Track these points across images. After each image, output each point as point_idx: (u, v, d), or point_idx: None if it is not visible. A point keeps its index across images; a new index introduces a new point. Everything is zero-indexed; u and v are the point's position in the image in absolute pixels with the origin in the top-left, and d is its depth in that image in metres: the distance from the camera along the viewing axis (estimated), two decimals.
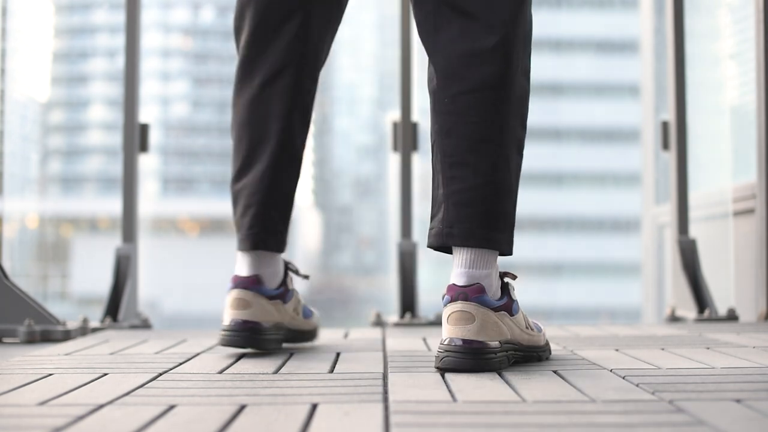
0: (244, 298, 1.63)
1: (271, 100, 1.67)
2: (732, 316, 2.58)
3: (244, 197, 1.67)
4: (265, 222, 1.67)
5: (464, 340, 1.38)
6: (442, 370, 1.39)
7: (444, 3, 1.47)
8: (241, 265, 1.68)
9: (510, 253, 1.49)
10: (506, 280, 1.49)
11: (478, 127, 1.44)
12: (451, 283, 1.43)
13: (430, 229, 1.49)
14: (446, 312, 1.41)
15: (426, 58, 1.53)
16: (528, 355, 1.50)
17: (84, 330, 2.27)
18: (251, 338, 1.62)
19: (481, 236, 1.43)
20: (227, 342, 1.61)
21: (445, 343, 1.40)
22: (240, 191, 1.68)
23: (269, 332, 1.65)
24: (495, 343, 1.40)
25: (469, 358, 1.37)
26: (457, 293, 1.41)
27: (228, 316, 1.63)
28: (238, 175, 1.69)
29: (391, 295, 2.84)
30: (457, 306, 1.40)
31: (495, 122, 1.44)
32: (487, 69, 1.44)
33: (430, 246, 1.50)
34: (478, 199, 1.43)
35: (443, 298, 1.43)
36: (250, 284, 1.65)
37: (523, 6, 1.47)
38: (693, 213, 2.96)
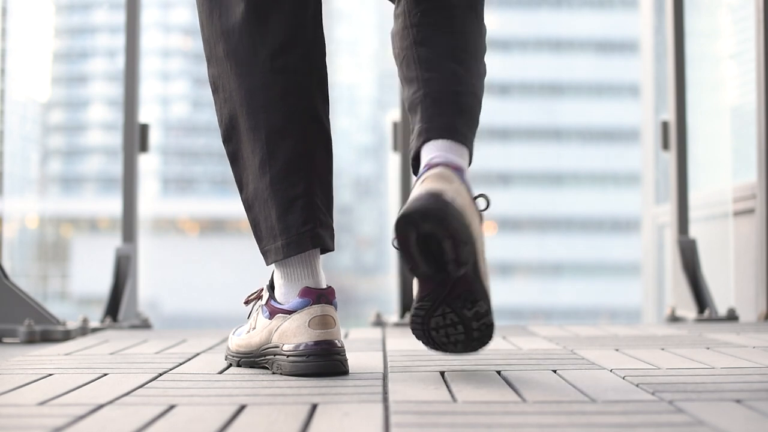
0: (331, 315, 1.37)
1: (284, 75, 1.42)
2: (732, 316, 2.58)
3: (280, 191, 1.39)
4: (317, 214, 1.40)
5: (431, 193, 1.26)
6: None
7: None
8: (304, 273, 1.41)
9: (469, 163, 1.41)
10: (479, 199, 1.37)
11: (452, 37, 1.42)
12: (425, 162, 1.34)
13: (411, 139, 1.41)
14: (422, 177, 1.31)
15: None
16: (476, 291, 1.32)
17: (84, 330, 2.27)
18: (334, 362, 1.36)
19: (459, 131, 1.38)
20: (308, 369, 1.34)
21: (413, 196, 1.28)
22: (271, 186, 1.40)
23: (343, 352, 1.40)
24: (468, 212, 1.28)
25: (436, 205, 1.25)
26: (435, 163, 1.32)
27: (312, 336, 1.35)
28: (262, 168, 1.40)
29: (391, 295, 2.84)
30: (437, 170, 1.30)
31: (466, 34, 1.44)
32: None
33: (414, 156, 1.39)
34: (455, 98, 1.40)
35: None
36: (332, 299, 1.40)
37: None
38: (693, 213, 2.96)
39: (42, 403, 1.13)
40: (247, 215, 1.46)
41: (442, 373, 1.35)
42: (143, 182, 3.06)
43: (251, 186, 1.43)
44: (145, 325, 2.61)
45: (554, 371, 1.37)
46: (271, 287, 1.45)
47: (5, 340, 2.19)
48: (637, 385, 1.22)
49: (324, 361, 1.34)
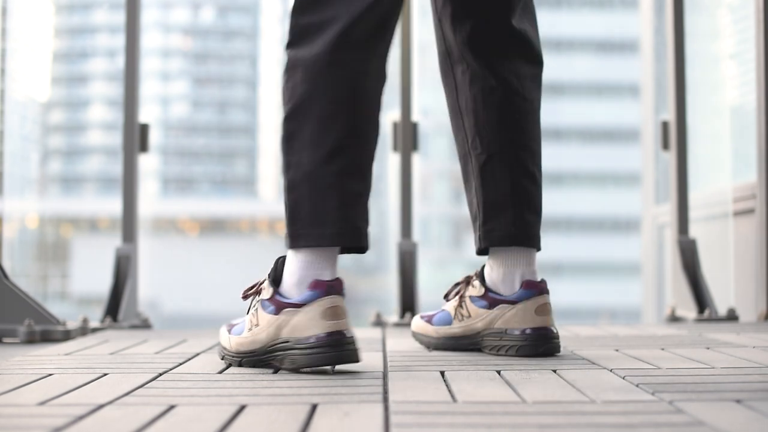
0: (341, 306, 1.41)
1: (374, 81, 1.49)
2: (732, 316, 2.58)
3: (347, 184, 1.43)
4: (367, 216, 1.48)
5: (549, 328, 1.60)
6: (534, 356, 1.56)
7: (512, 32, 1.66)
8: (322, 265, 1.44)
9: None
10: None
11: (536, 144, 1.68)
12: (527, 279, 1.63)
13: (490, 230, 1.65)
14: (536, 302, 1.61)
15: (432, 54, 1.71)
16: None
17: (84, 330, 2.27)
18: (348, 352, 1.40)
19: (539, 240, 1.67)
20: (323, 361, 1.37)
21: (540, 330, 1.60)
22: (339, 177, 1.43)
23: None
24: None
25: (557, 343, 1.60)
26: (542, 288, 1.63)
27: (324, 327, 1.37)
28: (331, 157, 1.43)
29: (391, 295, 2.84)
30: (547, 298, 1.63)
31: (539, 140, 1.70)
32: (538, 93, 1.69)
33: (491, 245, 1.65)
34: (539, 209, 1.67)
35: (520, 289, 1.62)
36: (341, 289, 1.44)
37: None
38: (693, 213, 2.95)
39: (42, 403, 1.13)
40: (287, 194, 1.46)
41: (442, 373, 1.35)
42: (143, 182, 3.05)
43: (306, 168, 1.44)
44: (145, 325, 2.61)
45: (554, 371, 1.37)
46: (274, 282, 1.45)
47: (5, 340, 2.19)
48: (637, 385, 1.22)
49: (338, 351, 1.37)
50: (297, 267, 1.43)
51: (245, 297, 1.50)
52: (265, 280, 1.46)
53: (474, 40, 1.66)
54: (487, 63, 1.66)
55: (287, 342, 1.39)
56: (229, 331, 1.52)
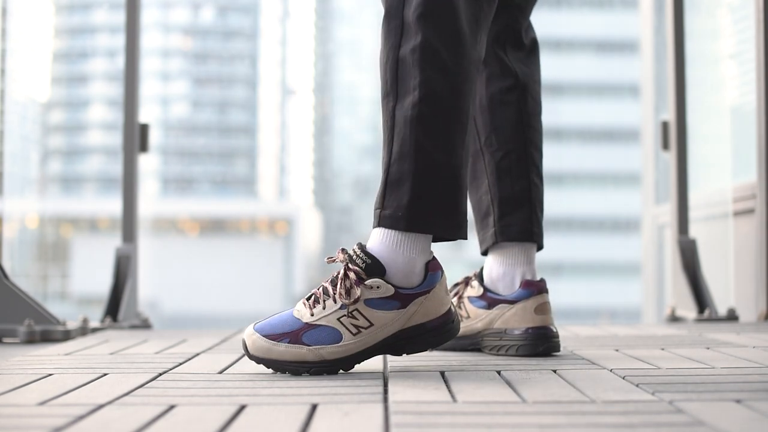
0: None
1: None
2: (732, 316, 2.58)
3: (467, 177, 1.48)
4: None
5: (549, 327, 1.61)
6: (534, 356, 1.56)
7: (528, 34, 1.77)
8: (429, 250, 1.46)
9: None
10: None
11: (542, 145, 1.74)
12: (526, 278, 1.64)
13: (506, 226, 1.67)
14: (536, 301, 1.61)
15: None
16: None
17: (84, 330, 2.27)
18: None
19: (543, 237, 1.71)
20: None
21: (540, 330, 1.59)
22: (467, 168, 1.47)
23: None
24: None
25: (557, 342, 1.60)
26: (541, 287, 1.63)
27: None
28: (465, 150, 1.46)
29: None
30: (546, 297, 1.63)
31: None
32: (540, 96, 1.77)
33: (508, 240, 1.66)
34: (543, 208, 1.72)
35: (519, 289, 1.62)
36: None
37: None
38: (693, 213, 2.95)
39: (42, 403, 1.13)
40: (416, 178, 1.41)
41: (442, 373, 1.35)
42: (143, 182, 3.06)
43: (443, 159, 1.42)
44: (145, 325, 2.61)
45: (554, 371, 1.37)
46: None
47: (5, 340, 2.19)
48: (637, 385, 1.22)
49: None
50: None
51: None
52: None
53: (501, 41, 1.72)
54: (508, 63, 1.71)
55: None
56: (300, 339, 1.39)
